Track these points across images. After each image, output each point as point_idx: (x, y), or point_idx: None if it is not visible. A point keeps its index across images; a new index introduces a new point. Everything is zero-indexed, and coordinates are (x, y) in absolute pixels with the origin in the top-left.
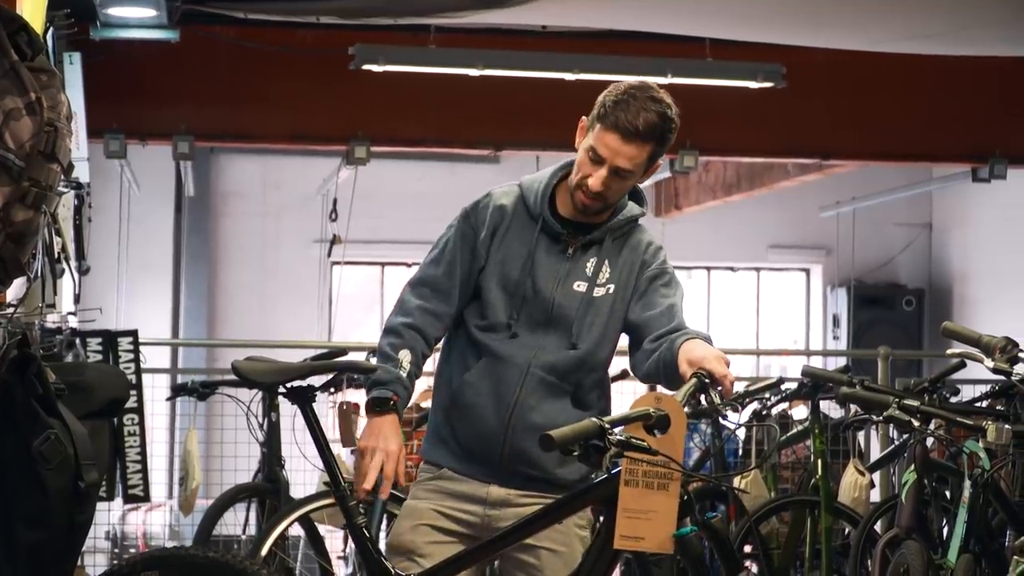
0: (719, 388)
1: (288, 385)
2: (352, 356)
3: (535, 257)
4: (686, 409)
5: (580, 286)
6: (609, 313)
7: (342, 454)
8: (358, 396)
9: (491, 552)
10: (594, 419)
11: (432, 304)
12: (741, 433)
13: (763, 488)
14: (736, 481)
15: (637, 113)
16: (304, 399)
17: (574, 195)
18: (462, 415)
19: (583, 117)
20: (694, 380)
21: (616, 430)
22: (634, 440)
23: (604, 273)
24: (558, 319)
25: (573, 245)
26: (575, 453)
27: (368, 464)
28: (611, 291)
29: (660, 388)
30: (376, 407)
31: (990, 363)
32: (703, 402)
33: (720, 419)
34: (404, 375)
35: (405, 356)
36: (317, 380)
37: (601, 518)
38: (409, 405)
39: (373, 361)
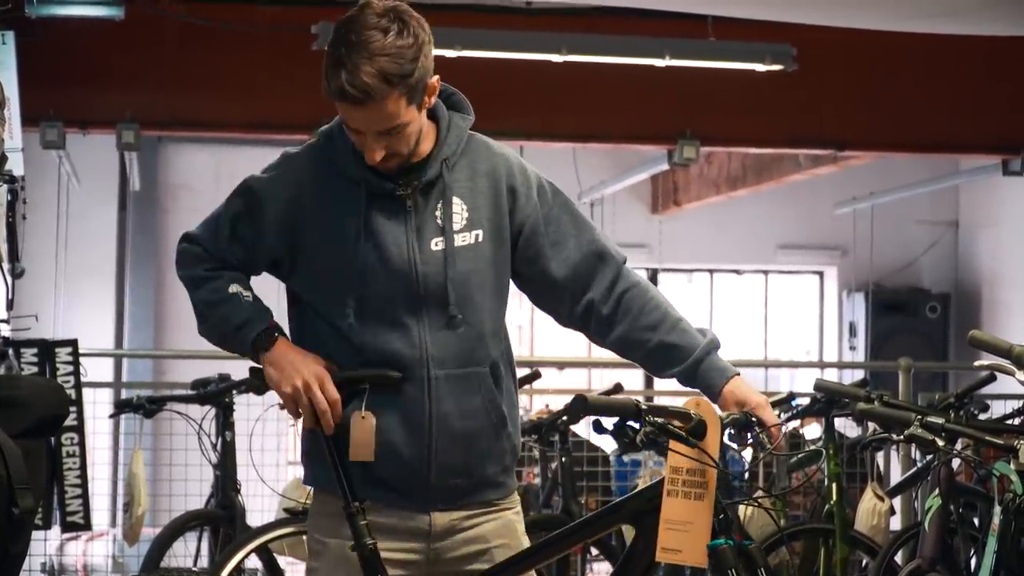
0: (764, 430)
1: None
2: None
3: (371, 226)
4: None
5: (438, 243)
6: (490, 267)
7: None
8: None
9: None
10: (632, 399)
11: (215, 262)
12: (747, 454)
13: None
14: (742, 509)
15: (354, 73)
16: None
17: (368, 161)
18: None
19: None
20: (741, 415)
21: (654, 417)
22: (671, 427)
23: (460, 215)
24: (430, 294)
25: (409, 195)
26: (605, 430)
27: (313, 399)
28: (480, 238)
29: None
30: (261, 345)
31: (1023, 376)
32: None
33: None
34: (252, 299)
35: (236, 288)
36: None
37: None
38: None
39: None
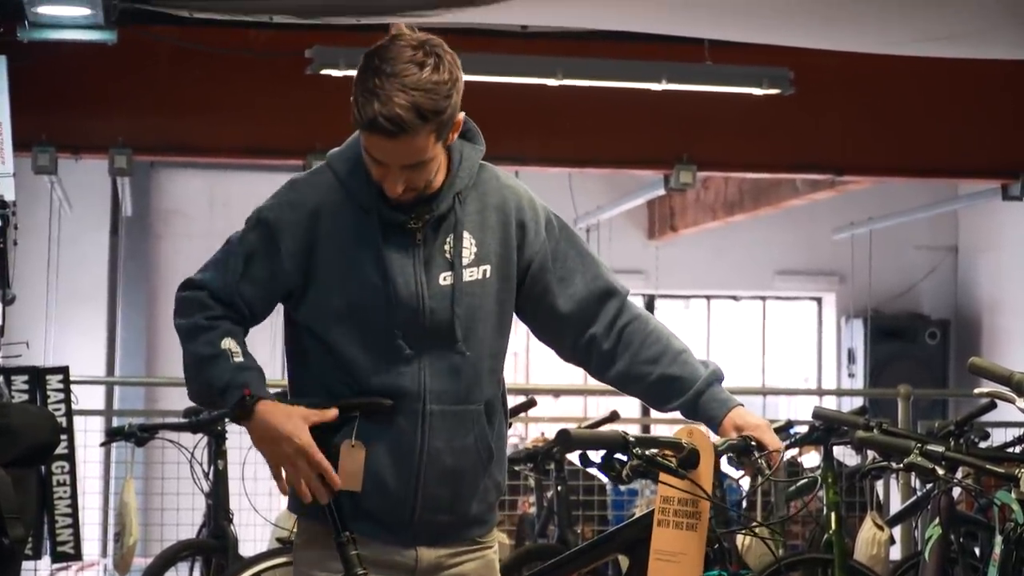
0: (764, 454)
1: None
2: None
3: (383, 257)
4: None
5: (446, 278)
6: (496, 303)
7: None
8: None
9: None
10: (619, 431)
11: (220, 307)
12: (745, 483)
13: (765, 544)
14: (739, 539)
15: (388, 105)
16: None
17: (382, 189)
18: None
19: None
20: (738, 439)
21: (641, 449)
22: (661, 459)
23: (469, 250)
24: (435, 329)
25: (420, 228)
26: (592, 463)
27: (299, 474)
28: (488, 274)
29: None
30: (239, 415)
31: (1023, 404)
32: (747, 464)
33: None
34: (240, 360)
35: (229, 343)
36: None
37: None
38: None
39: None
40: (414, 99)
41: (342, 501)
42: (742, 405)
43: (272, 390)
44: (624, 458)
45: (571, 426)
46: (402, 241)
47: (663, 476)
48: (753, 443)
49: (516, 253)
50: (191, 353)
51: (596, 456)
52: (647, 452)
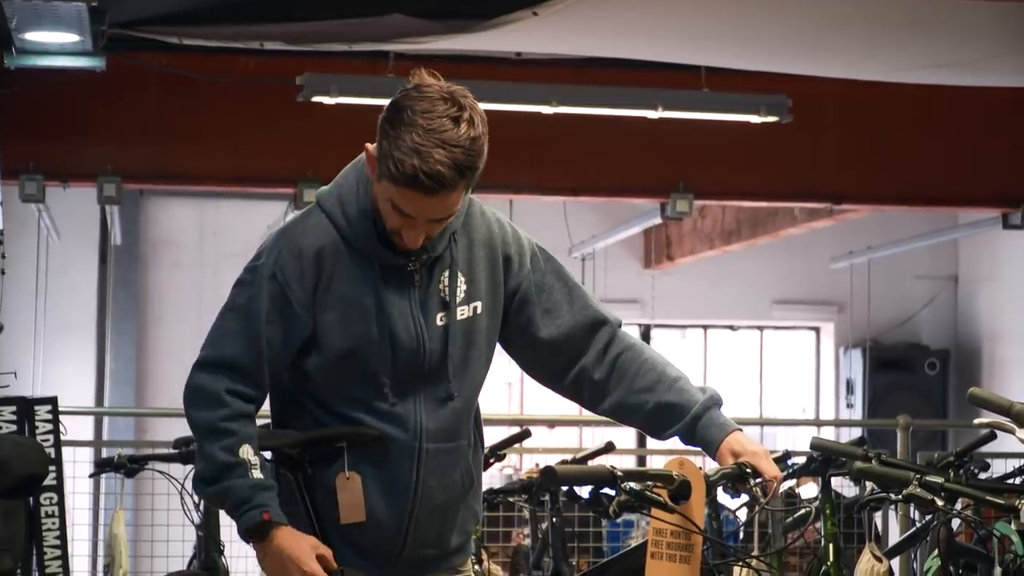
0: (760, 482)
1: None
2: None
3: (383, 304)
4: None
5: (442, 319)
6: (486, 339)
7: None
8: None
9: None
10: (606, 465)
11: (241, 387)
12: (742, 514)
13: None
14: (736, 571)
15: (428, 162)
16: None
17: (393, 238)
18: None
19: (368, 144)
20: (734, 466)
21: (630, 484)
22: (650, 492)
23: (461, 288)
24: (433, 369)
25: (419, 271)
26: (580, 498)
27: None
28: (478, 310)
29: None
30: (255, 535)
31: (1023, 434)
32: (743, 492)
33: (717, 497)
34: (258, 476)
35: (247, 452)
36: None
37: None
38: None
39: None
40: (454, 156)
41: (328, 529)
42: (741, 430)
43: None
44: (612, 493)
45: (566, 457)
46: (399, 284)
47: (654, 512)
48: (749, 470)
49: (503, 287)
50: (207, 456)
51: (585, 491)
52: (636, 486)
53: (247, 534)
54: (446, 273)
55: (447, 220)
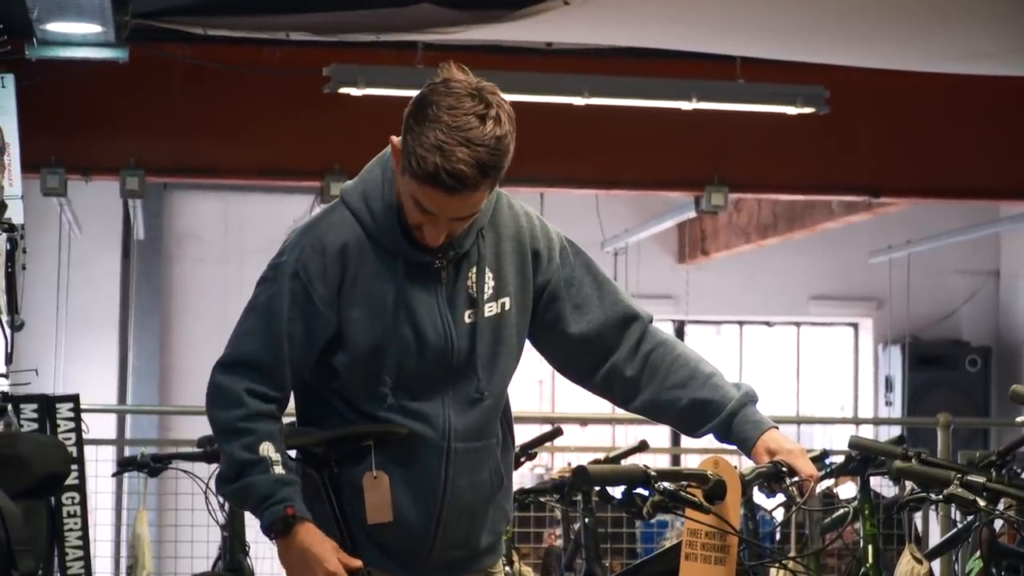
0: (796, 481)
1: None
2: None
3: (408, 299)
4: None
5: (470, 316)
6: (516, 336)
7: None
8: None
9: None
10: (639, 465)
11: (261, 387)
12: (779, 514)
13: None
14: (772, 572)
15: (451, 160)
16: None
17: (414, 232)
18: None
19: (393, 137)
20: (769, 465)
21: (664, 484)
22: (684, 493)
23: (488, 284)
24: (461, 367)
25: (445, 267)
26: (613, 499)
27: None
28: (507, 306)
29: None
30: (278, 531)
31: None
32: (779, 492)
33: (753, 497)
34: (280, 472)
35: (268, 449)
36: None
37: None
38: None
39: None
40: (478, 155)
41: (361, 537)
42: (777, 428)
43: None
44: (646, 493)
45: (599, 456)
46: (426, 282)
47: (688, 512)
48: (784, 469)
49: (532, 282)
50: (228, 455)
51: (618, 491)
52: (670, 486)
53: (269, 529)
54: (473, 269)
55: (470, 219)
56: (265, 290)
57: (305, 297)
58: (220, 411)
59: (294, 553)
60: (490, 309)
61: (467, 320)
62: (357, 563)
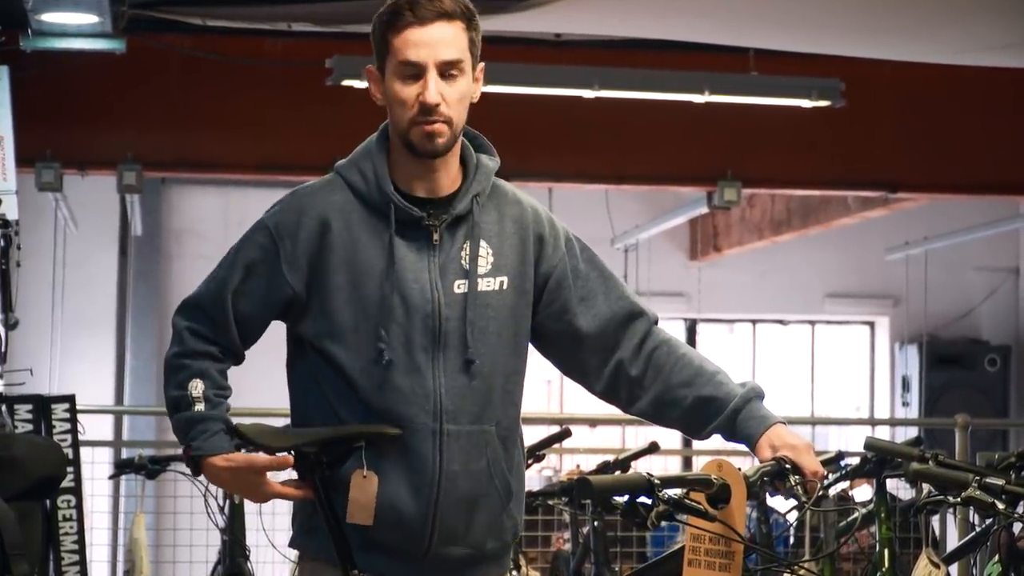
0: (801, 480)
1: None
2: None
3: (396, 257)
4: None
5: (460, 286)
6: (511, 317)
7: None
8: None
9: None
10: (643, 473)
11: (203, 328)
12: (792, 517)
13: None
14: None
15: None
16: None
17: (414, 140)
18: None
19: (369, 66)
20: (773, 463)
21: (668, 490)
22: (688, 501)
23: (486, 259)
24: (448, 339)
25: (437, 229)
26: (616, 507)
27: (287, 493)
28: (504, 285)
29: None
30: (191, 469)
31: None
32: (782, 492)
33: (767, 500)
34: (200, 408)
35: (196, 386)
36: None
37: None
38: None
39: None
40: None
41: (353, 535)
42: (783, 423)
43: (279, 421)
44: (650, 502)
45: (608, 458)
46: (418, 244)
47: (692, 520)
48: (788, 465)
49: (533, 267)
50: (165, 392)
51: (620, 501)
52: (674, 494)
53: (190, 468)
54: (469, 239)
55: (457, 79)
56: (237, 243)
57: (273, 253)
58: (169, 351)
59: (219, 480)
60: (488, 284)
61: (457, 290)
62: (288, 460)
